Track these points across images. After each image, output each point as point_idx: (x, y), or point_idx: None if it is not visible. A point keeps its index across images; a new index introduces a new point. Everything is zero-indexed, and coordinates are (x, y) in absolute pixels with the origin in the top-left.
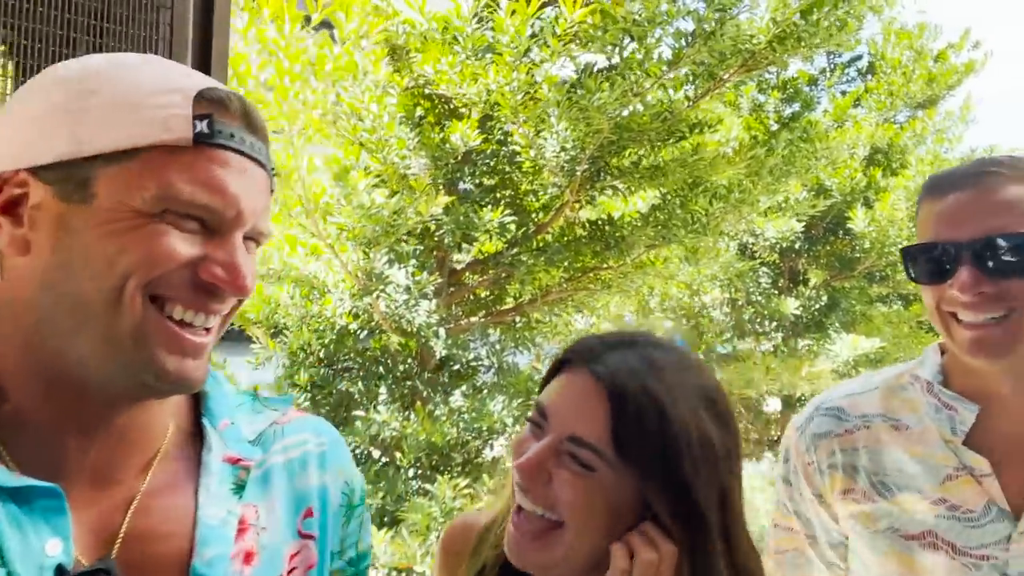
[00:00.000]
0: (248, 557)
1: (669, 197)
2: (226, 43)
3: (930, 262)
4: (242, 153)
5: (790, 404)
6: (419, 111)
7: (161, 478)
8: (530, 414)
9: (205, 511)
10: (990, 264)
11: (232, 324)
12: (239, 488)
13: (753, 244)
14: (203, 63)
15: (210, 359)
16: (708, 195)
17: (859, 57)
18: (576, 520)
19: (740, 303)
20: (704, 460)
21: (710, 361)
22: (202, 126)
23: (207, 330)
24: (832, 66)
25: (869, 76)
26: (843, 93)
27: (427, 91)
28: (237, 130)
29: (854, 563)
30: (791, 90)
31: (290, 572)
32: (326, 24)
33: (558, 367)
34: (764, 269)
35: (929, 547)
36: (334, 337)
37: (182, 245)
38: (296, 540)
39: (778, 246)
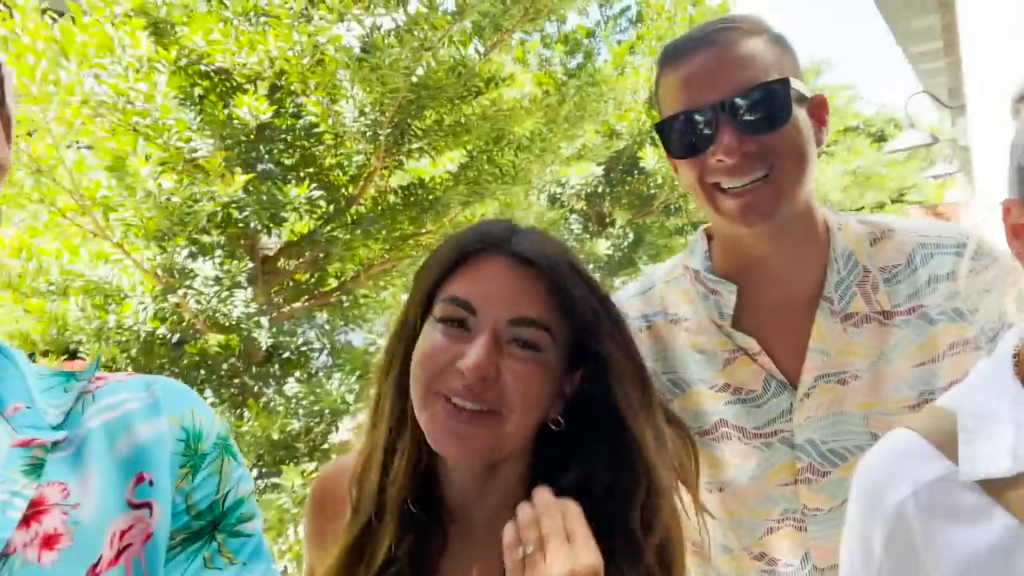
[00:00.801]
0: (50, 540)
1: (476, 154)
2: None
3: (686, 133)
4: None
5: None
6: (198, 91)
7: None
8: (442, 315)
9: None
10: (748, 120)
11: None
12: (35, 468)
13: (560, 194)
14: None
15: None
16: (513, 147)
17: (628, 7)
18: (521, 406)
19: None
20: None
21: None
22: None
23: None
24: (605, 18)
25: (639, 24)
26: (618, 43)
27: (203, 67)
28: None
29: None
30: (573, 42)
31: (123, 550)
32: None
33: (460, 260)
34: (574, 216)
35: (723, 438)
36: (140, 346)
37: None
38: (126, 513)
39: (583, 192)
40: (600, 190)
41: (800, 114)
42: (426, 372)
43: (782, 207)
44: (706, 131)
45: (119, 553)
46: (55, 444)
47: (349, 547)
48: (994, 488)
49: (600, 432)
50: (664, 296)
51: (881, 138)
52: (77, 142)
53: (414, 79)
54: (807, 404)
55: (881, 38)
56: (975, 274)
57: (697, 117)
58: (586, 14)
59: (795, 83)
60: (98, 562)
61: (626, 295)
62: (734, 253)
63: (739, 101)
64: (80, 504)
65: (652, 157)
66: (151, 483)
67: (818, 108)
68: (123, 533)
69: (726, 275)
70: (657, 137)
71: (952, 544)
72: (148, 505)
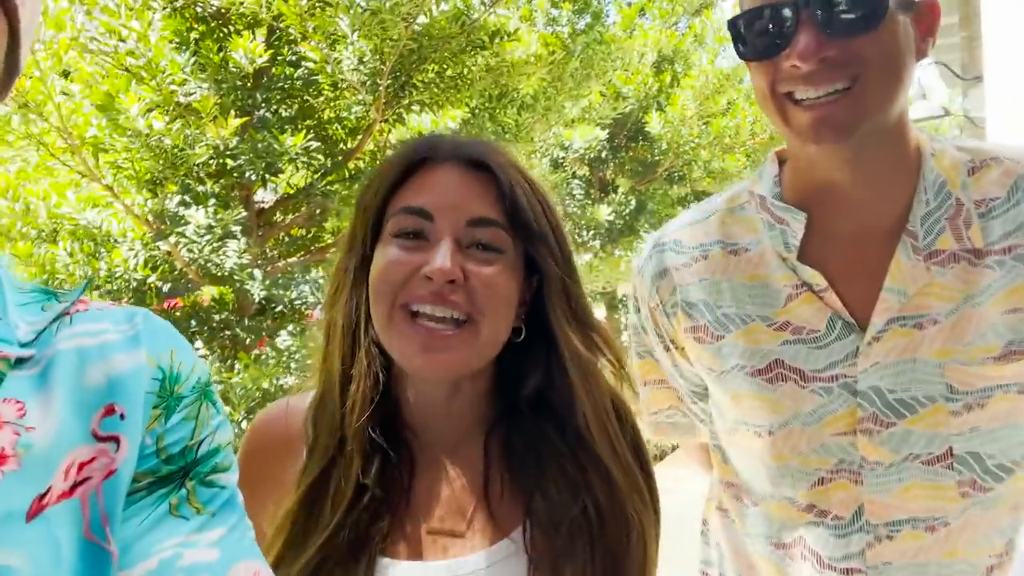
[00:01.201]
0: None
1: (478, 111)
2: None
3: (762, 31)
4: None
5: (614, 306)
6: (193, 36)
7: None
8: (397, 229)
9: None
10: (833, 20)
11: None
12: None
13: (563, 158)
14: None
15: None
16: (516, 105)
17: None
18: (492, 311)
19: None
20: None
21: None
22: None
23: None
24: None
25: None
26: (628, 4)
27: (199, 10)
28: None
29: (712, 410)
30: (581, 2)
31: (81, 483)
32: None
33: (410, 170)
34: (576, 181)
35: (777, 379)
36: (131, 295)
37: None
38: (90, 444)
39: (586, 156)
40: (603, 155)
41: (902, 19)
42: (389, 286)
43: (862, 125)
44: (784, 30)
45: (75, 486)
46: (20, 361)
47: (312, 484)
48: None
49: (544, 341)
50: (724, 223)
51: None
52: (69, 83)
53: (416, 27)
54: (876, 349)
55: None
56: None
57: (777, 13)
58: None
59: None
60: (46, 492)
61: (682, 223)
62: (807, 178)
63: None
64: (36, 428)
65: (658, 122)
66: (122, 416)
67: (927, 15)
68: (83, 465)
69: (796, 203)
70: (664, 101)
71: None
72: (115, 439)
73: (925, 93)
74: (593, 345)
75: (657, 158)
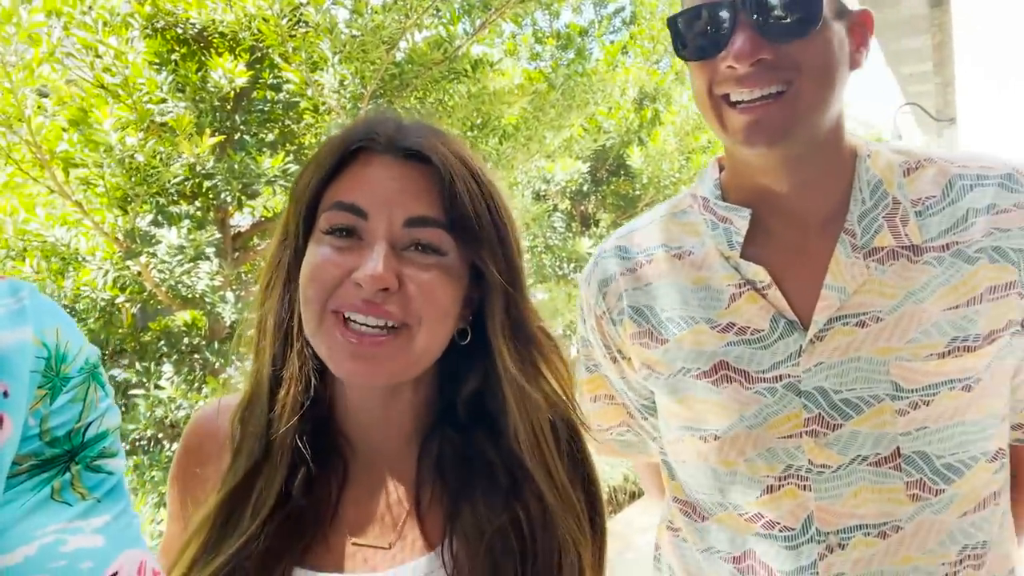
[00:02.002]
0: None
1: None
2: None
3: (701, 32)
4: None
5: None
6: (175, 57)
7: None
8: (329, 225)
9: None
10: (769, 23)
11: None
12: None
13: (545, 191)
14: None
15: None
16: (497, 135)
17: (622, 8)
18: (429, 318)
19: (539, 250)
20: (511, 218)
21: None
22: None
23: None
24: (600, 17)
25: (633, 26)
26: (611, 42)
27: (180, 32)
28: None
29: (660, 419)
30: (564, 39)
31: None
32: None
33: (346, 158)
34: (558, 214)
35: (722, 381)
36: (99, 316)
37: None
38: None
39: (568, 189)
40: (585, 188)
41: (837, 28)
42: (318, 290)
43: (794, 130)
44: (721, 31)
45: None
46: None
47: (234, 489)
48: None
49: (485, 347)
50: (667, 228)
51: None
52: (44, 96)
53: (398, 52)
54: (819, 348)
55: (871, 54)
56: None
57: (715, 13)
58: (580, 12)
59: None
60: None
61: (626, 230)
62: (745, 181)
63: (766, 1)
64: None
65: (639, 157)
66: (5, 394)
67: (860, 26)
68: None
69: (738, 204)
70: (645, 136)
71: None
72: (0, 419)
73: (901, 134)
74: (530, 362)
75: (638, 192)
